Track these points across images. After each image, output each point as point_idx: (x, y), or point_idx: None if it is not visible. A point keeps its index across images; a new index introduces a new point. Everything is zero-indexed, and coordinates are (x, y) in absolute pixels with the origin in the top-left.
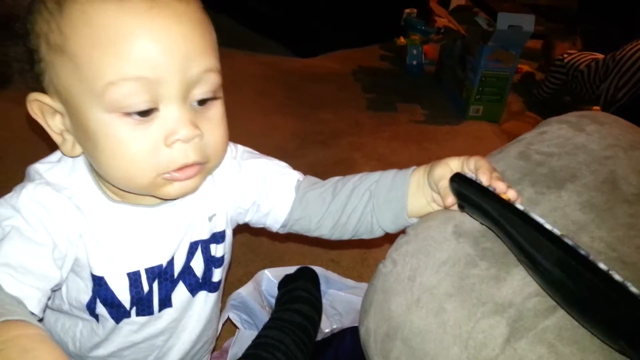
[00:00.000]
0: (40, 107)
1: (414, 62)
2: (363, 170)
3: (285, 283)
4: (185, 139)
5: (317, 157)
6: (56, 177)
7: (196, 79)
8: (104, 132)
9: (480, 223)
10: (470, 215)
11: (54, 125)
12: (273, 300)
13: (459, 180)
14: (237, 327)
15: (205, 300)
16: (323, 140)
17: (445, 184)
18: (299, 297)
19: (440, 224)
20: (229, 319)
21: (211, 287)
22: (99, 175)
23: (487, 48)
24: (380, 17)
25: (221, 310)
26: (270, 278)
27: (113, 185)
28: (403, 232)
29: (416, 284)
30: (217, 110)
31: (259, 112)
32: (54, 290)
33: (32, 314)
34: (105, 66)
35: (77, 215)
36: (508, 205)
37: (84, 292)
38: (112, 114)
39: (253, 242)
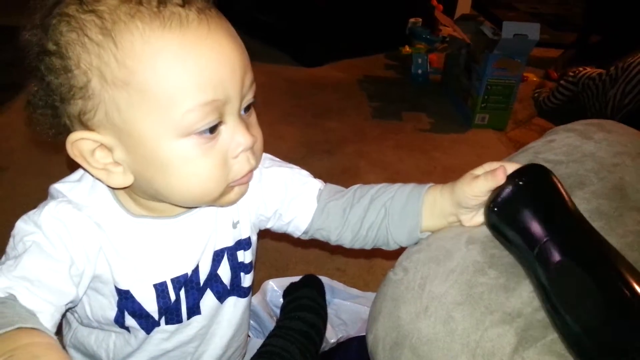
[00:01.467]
0: (82, 145)
1: (419, 71)
2: (369, 179)
3: (289, 291)
4: (247, 147)
5: (323, 166)
6: (77, 196)
7: (247, 90)
8: (179, 156)
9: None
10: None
11: (96, 161)
12: (278, 310)
13: (499, 213)
14: (248, 336)
15: (235, 305)
16: (328, 149)
17: (476, 202)
18: (304, 305)
19: (454, 235)
20: None
21: (240, 292)
22: (118, 191)
23: (492, 56)
24: (385, 26)
25: None
26: (274, 288)
27: (142, 199)
28: None
29: (425, 292)
30: (254, 113)
31: (264, 121)
32: (69, 308)
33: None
34: (179, 95)
35: (97, 232)
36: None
37: (109, 308)
38: (186, 137)
39: (258, 250)
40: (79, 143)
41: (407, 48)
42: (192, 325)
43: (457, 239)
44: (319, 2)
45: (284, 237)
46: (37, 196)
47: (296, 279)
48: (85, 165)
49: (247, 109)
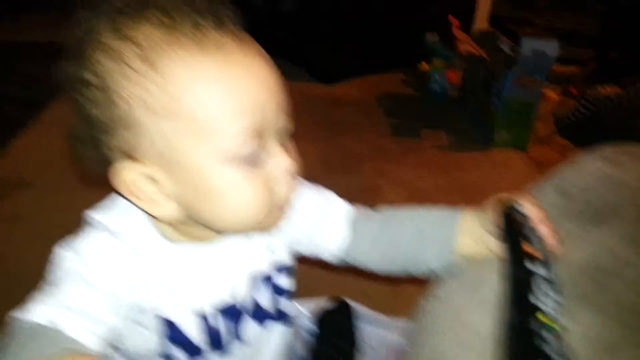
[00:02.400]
0: (127, 177)
1: (437, 88)
2: (390, 198)
3: (320, 316)
4: (288, 170)
5: (343, 184)
6: (113, 223)
7: (283, 114)
8: (226, 182)
9: None
10: None
11: (142, 192)
12: (305, 334)
13: (505, 220)
14: None
15: (279, 333)
16: (347, 166)
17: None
18: (336, 331)
19: (489, 262)
20: None
21: (283, 319)
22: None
23: (511, 74)
24: (402, 43)
25: None
26: (301, 310)
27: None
28: None
29: (462, 322)
30: (290, 138)
31: None
32: (107, 340)
33: None
34: (223, 120)
35: (135, 260)
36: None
37: (151, 340)
38: (231, 163)
39: None
40: (123, 175)
41: (425, 65)
42: (236, 354)
43: (492, 267)
44: (335, 19)
45: (306, 258)
46: (61, 214)
47: (323, 300)
48: (131, 197)
49: (284, 132)
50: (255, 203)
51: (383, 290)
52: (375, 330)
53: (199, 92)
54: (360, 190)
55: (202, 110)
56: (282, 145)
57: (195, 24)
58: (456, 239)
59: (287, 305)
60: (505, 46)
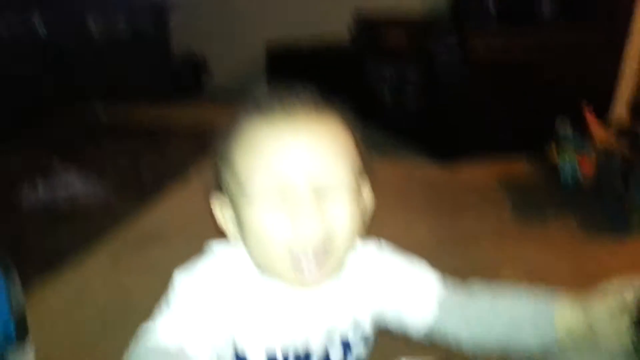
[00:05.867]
0: (217, 202)
1: (569, 179)
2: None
3: None
4: (307, 216)
5: (455, 264)
6: (225, 253)
7: (324, 185)
8: (250, 219)
9: None
10: None
11: (225, 218)
12: None
13: None
14: None
15: None
16: (463, 244)
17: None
18: None
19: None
20: None
21: None
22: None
23: None
24: (529, 124)
25: None
26: None
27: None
28: None
29: None
30: (341, 195)
31: (397, 218)
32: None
33: None
34: (252, 176)
35: (231, 293)
36: None
37: None
38: (254, 206)
39: None
40: (215, 200)
41: (554, 152)
42: None
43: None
44: (460, 98)
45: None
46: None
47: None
48: (221, 219)
49: (323, 192)
50: (268, 239)
51: None
52: None
53: (239, 152)
54: (473, 271)
55: (237, 163)
56: (320, 205)
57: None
58: (556, 327)
59: None
60: None
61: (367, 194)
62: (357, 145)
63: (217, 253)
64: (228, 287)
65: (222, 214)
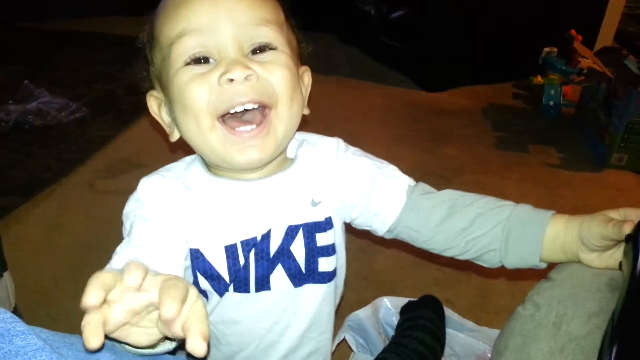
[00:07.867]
0: (154, 102)
1: (551, 103)
2: None
3: (407, 309)
4: (236, 76)
5: None
6: (173, 170)
7: (248, 31)
8: (177, 85)
9: None
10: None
11: (164, 117)
12: (389, 329)
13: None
14: (351, 350)
15: (312, 294)
16: (445, 175)
17: (601, 244)
18: (422, 325)
19: (593, 274)
20: (344, 340)
21: (318, 278)
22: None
23: (637, 93)
24: (516, 54)
25: (337, 328)
26: (388, 306)
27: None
28: (545, 276)
29: (562, 331)
30: (274, 56)
31: (380, 143)
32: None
33: None
34: (169, 32)
35: (183, 193)
36: None
37: (188, 273)
38: (178, 69)
39: (366, 270)
40: (150, 100)
41: (540, 78)
42: (262, 302)
43: (597, 281)
44: (445, 26)
45: (393, 259)
46: None
47: (411, 299)
48: (160, 122)
49: (259, 51)
50: (194, 104)
51: (468, 300)
52: (463, 336)
53: (161, 20)
54: None
55: (159, 30)
56: (254, 59)
57: None
58: (543, 247)
59: (322, 263)
60: (632, 64)
61: (307, 79)
62: (288, 20)
63: (181, 161)
64: (181, 189)
65: (157, 108)
